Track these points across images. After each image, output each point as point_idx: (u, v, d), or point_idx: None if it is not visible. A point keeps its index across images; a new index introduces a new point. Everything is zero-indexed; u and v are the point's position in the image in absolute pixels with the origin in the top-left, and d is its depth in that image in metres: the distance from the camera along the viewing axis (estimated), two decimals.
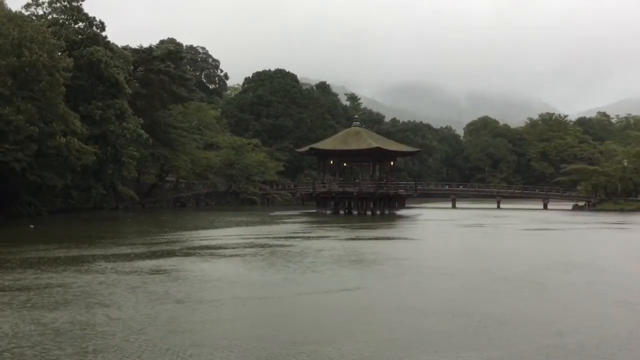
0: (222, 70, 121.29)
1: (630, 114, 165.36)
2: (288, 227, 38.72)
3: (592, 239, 33.40)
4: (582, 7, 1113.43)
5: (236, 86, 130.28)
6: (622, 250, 27.48)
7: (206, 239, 28.65)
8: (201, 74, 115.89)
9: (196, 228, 36.71)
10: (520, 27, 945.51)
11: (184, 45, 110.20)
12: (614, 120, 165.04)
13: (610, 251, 26.82)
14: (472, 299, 13.96)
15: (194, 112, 76.36)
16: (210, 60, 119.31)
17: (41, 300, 13.19)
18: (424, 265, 20.19)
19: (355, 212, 58.82)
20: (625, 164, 77.55)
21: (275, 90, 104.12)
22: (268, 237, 30.08)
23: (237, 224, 41.06)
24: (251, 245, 25.86)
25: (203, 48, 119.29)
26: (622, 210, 66.32)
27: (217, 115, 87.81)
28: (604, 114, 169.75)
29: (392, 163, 66.31)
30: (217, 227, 37.89)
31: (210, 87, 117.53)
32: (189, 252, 23.05)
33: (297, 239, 29.22)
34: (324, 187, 61.01)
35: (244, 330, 10.81)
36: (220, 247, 24.95)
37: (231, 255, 22.32)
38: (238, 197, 78.32)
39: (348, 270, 18.72)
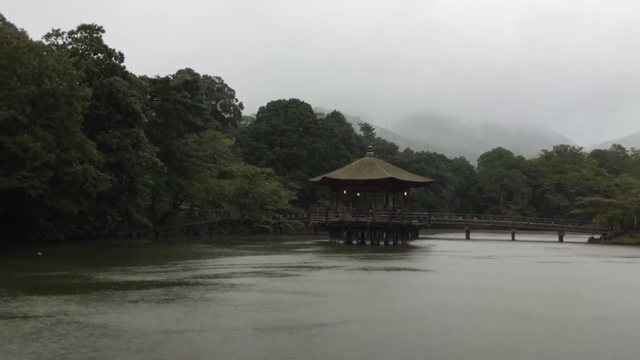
0: (237, 100, 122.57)
1: None
2: (299, 257, 38.65)
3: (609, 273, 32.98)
4: (598, 43, 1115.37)
5: (251, 115, 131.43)
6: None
7: (220, 267, 28.69)
8: (217, 103, 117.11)
9: (208, 256, 36.77)
10: (536, 60, 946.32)
11: (201, 75, 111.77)
12: (629, 153, 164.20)
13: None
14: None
15: (208, 141, 76.96)
16: (226, 89, 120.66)
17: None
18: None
19: (368, 242, 58.60)
20: None
21: (289, 119, 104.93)
22: (280, 267, 30.05)
23: (251, 252, 41.07)
24: (263, 274, 25.87)
25: (219, 78, 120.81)
26: (638, 244, 65.43)
27: (232, 144, 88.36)
28: (619, 147, 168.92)
29: (405, 193, 66.25)
30: (231, 256, 37.90)
31: (226, 116, 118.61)
32: (205, 281, 23.10)
33: (307, 269, 29.18)
34: (337, 216, 60.95)
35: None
36: (227, 276, 24.95)
37: (239, 285, 22.32)
38: (251, 226, 78.36)
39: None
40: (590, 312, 17.61)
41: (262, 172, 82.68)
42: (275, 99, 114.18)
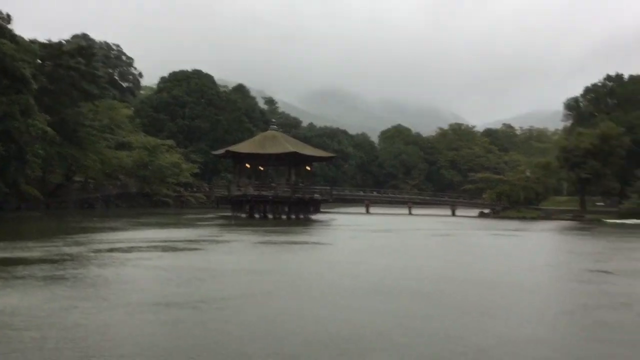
0: (136, 69, 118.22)
1: (532, 127, 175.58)
2: (201, 230, 38.29)
3: (482, 244, 35.21)
4: (496, 25, 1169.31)
5: (151, 86, 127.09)
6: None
7: (115, 242, 27.86)
8: (114, 71, 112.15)
9: (104, 230, 35.58)
10: (438, 40, 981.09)
11: (97, 41, 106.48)
12: (518, 132, 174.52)
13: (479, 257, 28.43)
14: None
15: (105, 111, 73.80)
16: (124, 57, 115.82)
17: None
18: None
19: (270, 216, 58.93)
20: (528, 173, 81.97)
21: (191, 90, 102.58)
22: (179, 241, 29.65)
23: (148, 226, 40.14)
24: (160, 248, 25.46)
25: (117, 45, 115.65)
26: (524, 218, 70.07)
27: (130, 115, 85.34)
28: (509, 126, 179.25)
29: (308, 168, 66.96)
30: (126, 230, 36.83)
31: (124, 85, 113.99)
32: (95, 255, 22.39)
33: (208, 243, 29.03)
34: (240, 190, 60.71)
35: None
36: (125, 251, 24.35)
37: (137, 259, 21.88)
38: (150, 199, 76.36)
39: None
40: (477, 286, 18.77)
41: (163, 144, 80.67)
42: (177, 69, 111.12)
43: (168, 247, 26.12)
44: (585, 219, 69.87)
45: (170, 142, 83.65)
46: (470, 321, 12.66)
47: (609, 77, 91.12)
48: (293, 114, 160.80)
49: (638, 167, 72.35)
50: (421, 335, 11.29)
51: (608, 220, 66.75)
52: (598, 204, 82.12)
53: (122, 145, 76.46)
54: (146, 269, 19.44)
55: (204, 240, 30.19)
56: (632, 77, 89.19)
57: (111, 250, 24.11)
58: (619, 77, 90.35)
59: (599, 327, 12.60)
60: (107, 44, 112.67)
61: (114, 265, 19.70)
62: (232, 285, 16.66)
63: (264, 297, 14.88)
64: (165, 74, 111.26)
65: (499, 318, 13.13)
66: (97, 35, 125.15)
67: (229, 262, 21.98)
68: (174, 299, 14.09)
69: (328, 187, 77.66)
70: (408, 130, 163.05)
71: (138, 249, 25.12)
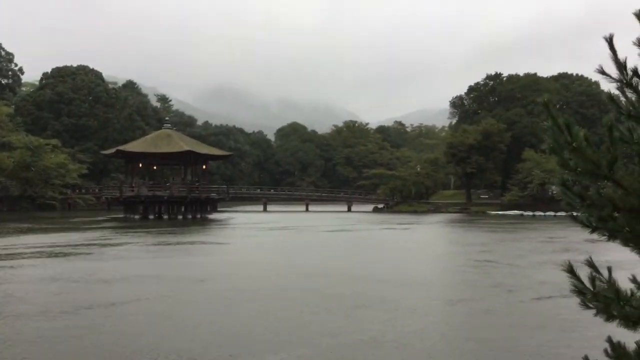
0: (16, 64, 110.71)
1: (422, 124, 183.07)
2: (90, 234, 36.67)
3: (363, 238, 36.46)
4: (390, 27, 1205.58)
5: (33, 82, 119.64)
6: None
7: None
8: None
9: None
10: (334, 40, 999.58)
11: None
12: (408, 129, 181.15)
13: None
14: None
15: None
16: (3, 53, 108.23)
17: None
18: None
19: (165, 217, 57.52)
20: (419, 169, 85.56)
21: (77, 87, 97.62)
22: (66, 245, 28.27)
23: (32, 231, 37.89)
24: (45, 254, 24.18)
25: None
26: (415, 212, 73.03)
27: (10, 113, 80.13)
28: (400, 123, 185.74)
29: (204, 167, 66.01)
30: (7, 235, 34.56)
31: (3, 82, 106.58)
32: None
33: (98, 247, 27.92)
34: (132, 191, 58.79)
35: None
36: (5, 258, 22.91)
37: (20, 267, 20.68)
38: (34, 202, 72.00)
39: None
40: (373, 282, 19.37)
41: (47, 144, 76.25)
42: (62, 65, 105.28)
43: (53, 253, 24.85)
44: (471, 211, 74.02)
45: (55, 141, 79.21)
46: (359, 315, 13.11)
47: (489, 76, 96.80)
48: (188, 112, 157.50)
49: (518, 161, 77.30)
50: (300, 335, 11.55)
51: (492, 212, 71.07)
52: (482, 196, 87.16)
53: (2, 146, 71.56)
54: (29, 277, 18.41)
55: (93, 245, 28.97)
56: (510, 77, 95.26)
57: None
58: (497, 76, 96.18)
59: (485, 315, 13.47)
60: None
61: None
62: (118, 291, 16.17)
63: (151, 303, 14.60)
64: (49, 69, 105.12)
65: (386, 311, 13.68)
66: None
67: (120, 267, 21.28)
68: (55, 307, 13.49)
69: (225, 186, 76.96)
70: (304, 127, 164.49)
71: (20, 255, 23.70)
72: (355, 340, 10.63)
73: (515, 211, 69.26)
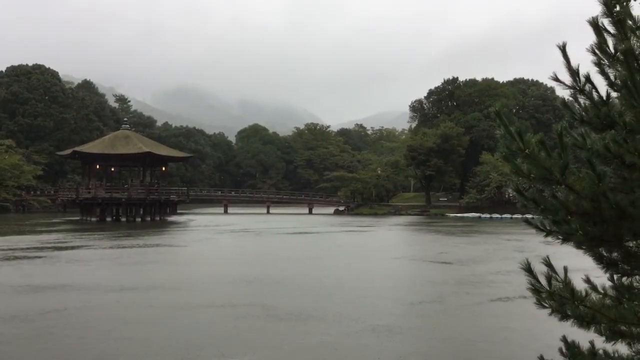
0: None
1: (383, 127, 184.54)
2: (44, 236, 35.73)
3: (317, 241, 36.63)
4: (351, 31, 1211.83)
5: None
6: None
7: None
8: None
9: None
10: (297, 43, 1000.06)
11: None
12: (369, 132, 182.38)
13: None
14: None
15: None
16: None
17: None
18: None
19: (124, 219, 56.52)
20: (379, 171, 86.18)
21: (33, 87, 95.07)
22: (19, 249, 27.49)
23: None
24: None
25: None
26: (375, 214, 73.52)
27: None
28: (361, 126, 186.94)
29: (163, 168, 65.15)
30: None
31: None
32: None
33: (51, 250, 27.23)
34: (89, 192, 57.59)
35: None
36: None
37: None
38: None
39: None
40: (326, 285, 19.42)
41: (1, 144, 74.02)
42: (16, 63, 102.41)
43: (8, 256, 24.12)
44: (430, 213, 74.98)
45: (9, 142, 76.94)
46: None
47: (446, 81, 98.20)
48: (147, 113, 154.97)
49: (476, 164, 78.59)
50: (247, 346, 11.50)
51: (451, 214, 72.12)
52: (442, 199, 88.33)
53: None
54: None
55: (47, 248, 28.24)
56: (467, 81, 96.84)
57: None
58: (454, 80, 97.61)
59: (443, 315, 13.65)
60: None
61: None
62: (44, 300, 15.80)
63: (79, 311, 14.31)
64: (3, 68, 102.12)
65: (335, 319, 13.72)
66: None
67: (72, 272, 20.80)
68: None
69: (185, 188, 76.03)
70: (265, 129, 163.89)
71: None
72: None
73: (474, 214, 70.43)
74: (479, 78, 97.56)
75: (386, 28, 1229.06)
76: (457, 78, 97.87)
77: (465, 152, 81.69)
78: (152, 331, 11.59)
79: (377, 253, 28.32)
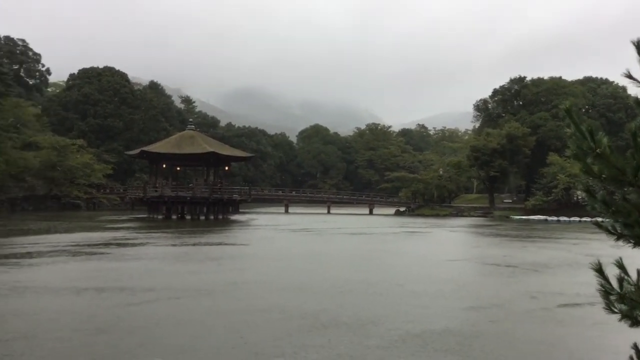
0: (43, 65, 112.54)
1: (445, 127, 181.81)
2: (112, 233, 37.08)
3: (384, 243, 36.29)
4: (415, 29, 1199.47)
5: (60, 83, 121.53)
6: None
7: (18, 246, 26.54)
8: (20, 67, 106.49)
9: (7, 234, 33.77)
10: (361, 42, 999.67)
11: (1, 36, 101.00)
12: (431, 132, 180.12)
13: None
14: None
15: (10, 109, 70.05)
16: (31, 53, 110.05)
17: None
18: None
19: (188, 217, 57.95)
20: (441, 172, 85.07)
21: (103, 88, 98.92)
22: (88, 245, 28.63)
23: (56, 230, 38.43)
24: (67, 253, 24.51)
25: (23, 40, 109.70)
26: (437, 215, 72.58)
27: (37, 113, 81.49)
28: (423, 126, 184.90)
29: (226, 168, 66.38)
30: (32, 234, 35.09)
31: (30, 82, 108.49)
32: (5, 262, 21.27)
33: (117, 247, 28.22)
34: (156, 191, 59.33)
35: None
36: (25, 256, 23.25)
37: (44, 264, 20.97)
38: (60, 202, 73.02)
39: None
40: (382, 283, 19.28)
41: (73, 144, 77.35)
42: (88, 66, 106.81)
43: (77, 252, 25.17)
44: (494, 215, 73.30)
45: (80, 141, 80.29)
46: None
47: (513, 80, 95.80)
48: (211, 113, 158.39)
49: (542, 165, 76.44)
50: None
51: (515, 217, 70.31)
52: (506, 200, 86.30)
53: (28, 146, 72.74)
54: (50, 274, 18.68)
55: (113, 244, 29.29)
56: (534, 80, 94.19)
57: (6, 256, 22.96)
58: (522, 79, 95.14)
59: (507, 320, 13.31)
60: (10, 39, 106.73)
61: (18, 271, 18.80)
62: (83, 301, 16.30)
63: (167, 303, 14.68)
64: (76, 70, 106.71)
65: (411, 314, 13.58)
66: (2, 30, 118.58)
67: (137, 267, 21.49)
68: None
69: (247, 187, 77.28)
70: (326, 129, 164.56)
71: (39, 254, 24.04)
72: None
73: (539, 216, 68.41)
74: (546, 77, 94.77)
75: (453, 26, 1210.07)
76: (525, 77, 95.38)
77: (531, 152, 79.47)
78: (198, 334, 11.83)
79: (439, 255, 27.90)
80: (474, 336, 11.42)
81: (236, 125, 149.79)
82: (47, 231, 37.48)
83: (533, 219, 66.39)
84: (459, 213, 76.24)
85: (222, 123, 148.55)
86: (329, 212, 77.57)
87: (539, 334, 11.82)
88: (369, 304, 14.42)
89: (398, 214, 78.67)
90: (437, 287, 17.63)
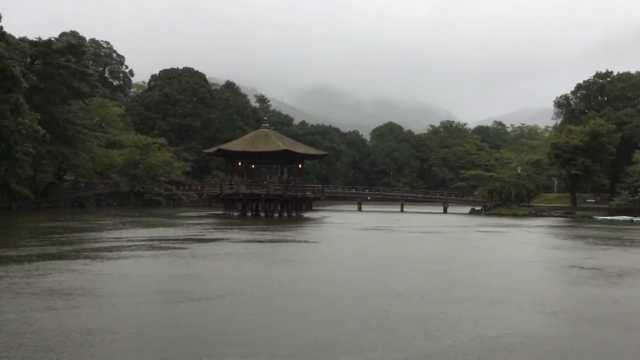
0: (127, 67, 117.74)
1: (524, 124, 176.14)
2: (190, 229, 38.22)
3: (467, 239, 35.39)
4: (490, 24, 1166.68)
5: (142, 83, 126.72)
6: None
7: (104, 241, 27.80)
8: (104, 69, 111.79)
9: (93, 230, 35.46)
10: (438, 39, 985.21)
11: (87, 38, 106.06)
12: (509, 130, 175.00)
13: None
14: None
15: (95, 109, 73.57)
16: (115, 55, 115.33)
17: None
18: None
19: (262, 214, 58.92)
20: (519, 170, 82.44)
21: (182, 89, 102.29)
22: (167, 240, 29.62)
23: (138, 225, 40.03)
24: (148, 248, 25.43)
25: (107, 42, 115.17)
26: (515, 215, 70.40)
27: (121, 113, 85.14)
28: (500, 123, 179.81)
29: (300, 166, 66.98)
30: (115, 229, 36.69)
31: (114, 83, 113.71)
32: (86, 254, 22.35)
33: (195, 242, 29.01)
34: (232, 188, 60.68)
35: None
36: (113, 250, 24.29)
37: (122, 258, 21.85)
38: (142, 198, 76.13)
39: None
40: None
41: (154, 143, 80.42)
42: (168, 67, 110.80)
43: (157, 246, 26.09)
44: (576, 215, 70.33)
45: (161, 140, 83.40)
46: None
47: (598, 74, 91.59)
48: (285, 111, 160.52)
49: (628, 163, 72.82)
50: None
51: (598, 217, 67.22)
52: (589, 200, 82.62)
53: (113, 144, 76.13)
54: (131, 266, 19.43)
55: (190, 240, 30.16)
56: (621, 75, 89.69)
57: (94, 250, 24.06)
58: (608, 74, 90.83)
59: (588, 324, 12.73)
60: (96, 41, 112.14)
61: (105, 262, 19.69)
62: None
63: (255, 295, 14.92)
64: (156, 71, 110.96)
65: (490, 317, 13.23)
66: (88, 33, 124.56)
67: (213, 266, 22.00)
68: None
69: (320, 185, 77.72)
70: (400, 127, 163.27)
71: (125, 247, 25.07)
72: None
73: (625, 217, 65.07)
74: (633, 71, 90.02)
75: (536, 20, 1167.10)
76: (611, 72, 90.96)
77: (616, 150, 75.69)
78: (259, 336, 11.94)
79: (517, 255, 27.01)
80: (555, 337, 10.99)
81: (309, 124, 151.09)
82: (130, 227, 39.07)
83: (618, 220, 63.22)
84: (538, 213, 73.60)
85: (296, 121, 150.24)
86: (402, 211, 76.85)
87: (627, 340, 11.22)
88: (441, 306, 14.14)
89: (473, 213, 76.93)
90: (518, 287, 17.08)
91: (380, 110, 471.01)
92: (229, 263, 21.30)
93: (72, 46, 64.83)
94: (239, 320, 11.96)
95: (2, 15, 50.55)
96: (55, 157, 61.59)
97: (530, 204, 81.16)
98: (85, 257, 21.20)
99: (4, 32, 50.89)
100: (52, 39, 66.17)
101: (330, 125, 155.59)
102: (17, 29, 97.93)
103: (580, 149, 74.02)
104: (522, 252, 29.09)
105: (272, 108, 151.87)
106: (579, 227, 50.05)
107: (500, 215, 70.72)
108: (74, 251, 23.08)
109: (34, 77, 60.05)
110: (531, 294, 16.51)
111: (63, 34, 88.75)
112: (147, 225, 40.24)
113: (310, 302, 14.22)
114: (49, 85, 60.52)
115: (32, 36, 61.99)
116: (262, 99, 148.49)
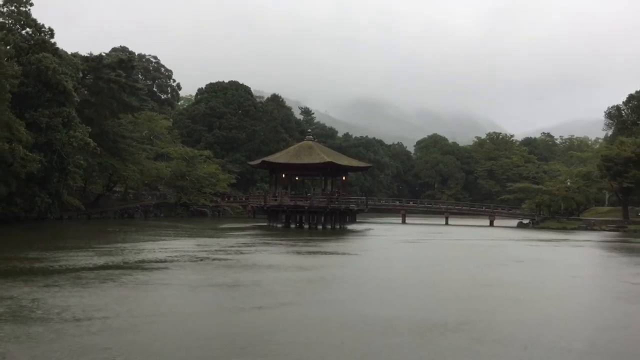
0: (174, 80, 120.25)
1: (573, 136, 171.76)
2: (235, 240, 38.58)
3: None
4: (550, 38, 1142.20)
5: (189, 97, 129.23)
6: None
7: (149, 252, 28.33)
8: (153, 83, 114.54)
9: (139, 240, 36.18)
10: (486, 50, 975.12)
11: (136, 53, 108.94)
12: (557, 141, 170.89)
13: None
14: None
15: (144, 122, 75.32)
16: (163, 69, 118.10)
17: None
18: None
19: (306, 226, 58.96)
20: (569, 183, 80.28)
21: (228, 102, 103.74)
22: (213, 251, 29.95)
23: (185, 236, 40.65)
24: (195, 259, 25.77)
25: (155, 57, 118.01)
26: (564, 229, 68.46)
27: (169, 126, 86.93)
28: (549, 135, 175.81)
29: (344, 178, 66.92)
30: (162, 239, 37.33)
31: (162, 97, 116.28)
32: (137, 265, 22.81)
33: (240, 253, 29.24)
34: (276, 200, 60.99)
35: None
36: (156, 261, 24.70)
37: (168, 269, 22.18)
38: (188, 209, 77.41)
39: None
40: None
41: (201, 155, 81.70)
42: (213, 80, 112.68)
43: (203, 257, 26.41)
44: (628, 229, 67.98)
45: (207, 152, 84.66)
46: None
47: None
48: (329, 124, 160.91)
49: None
50: None
51: None
52: None
53: (160, 156, 77.73)
54: (180, 276, 19.71)
55: (233, 251, 30.42)
56: None
57: (142, 261, 24.51)
58: None
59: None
60: (144, 56, 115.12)
61: (153, 273, 20.03)
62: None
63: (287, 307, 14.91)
64: (202, 85, 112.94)
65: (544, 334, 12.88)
66: (137, 48, 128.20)
67: (258, 277, 22.10)
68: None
69: (364, 197, 77.41)
70: (444, 139, 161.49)
71: (172, 258, 25.47)
72: None
73: None
74: None
75: (591, 29, 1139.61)
76: None
77: None
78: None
79: (566, 271, 26.27)
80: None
81: (353, 136, 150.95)
82: (177, 237, 39.70)
83: None
84: (589, 227, 71.39)
85: (340, 133, 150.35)
86: (447, 223, 75.80)
87: None
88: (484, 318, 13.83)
89: (521, 226, 75.23)
90: (564, 303, 16.59)
91: (425, 121, 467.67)
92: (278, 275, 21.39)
93: (122, 61, 66.69)
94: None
95: (55, 32, 52.38)
96: (105, 169, 63.26)
97: (580, 218, 78.85)
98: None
99: (57, 48, 52.71)
100: (103, 54, 68.24)
101: (374, 137, 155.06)
102: (71, 45, 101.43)
103: (632, 161, 71.57)
104: (573, 267, 28.28)
105: (316, 120, 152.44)
106: (631, 242, 48.33)
107: (549, 229, 68.90)
108: (123, 262, 23.59)
109: (86, 92, 61.95)
110: (581, 308, 16.00)
111: (113, 49, 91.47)
112: (197, 235, 40.85)
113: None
114: (100, 99, 62.31)
115: (85, 51, 64.13)
116: (306, 111, 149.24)
